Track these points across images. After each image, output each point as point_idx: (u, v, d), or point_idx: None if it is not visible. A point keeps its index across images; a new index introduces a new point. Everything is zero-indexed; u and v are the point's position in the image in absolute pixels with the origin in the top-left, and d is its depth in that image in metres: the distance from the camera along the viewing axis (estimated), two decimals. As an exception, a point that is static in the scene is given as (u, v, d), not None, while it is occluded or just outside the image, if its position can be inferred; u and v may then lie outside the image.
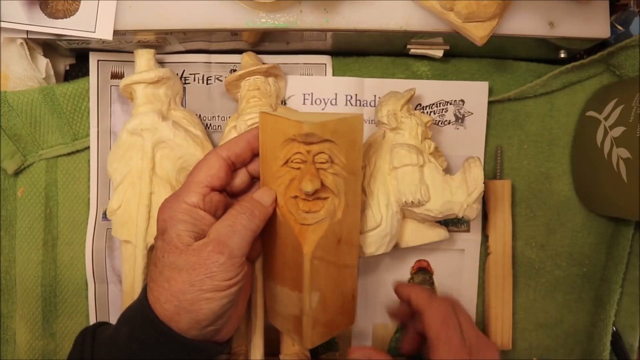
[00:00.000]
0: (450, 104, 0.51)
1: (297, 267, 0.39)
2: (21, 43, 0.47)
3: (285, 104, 0.51)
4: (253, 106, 0.46)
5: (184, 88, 0.50)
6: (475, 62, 0.52)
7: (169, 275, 0.34)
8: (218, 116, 0.51)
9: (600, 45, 0.50)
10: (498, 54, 0.52)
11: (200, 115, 0.50)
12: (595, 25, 0.47)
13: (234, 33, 0.47)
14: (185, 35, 0.47)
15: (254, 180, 0.42)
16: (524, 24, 0.46)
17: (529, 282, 0.54)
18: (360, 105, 0.51)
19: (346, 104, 0.51)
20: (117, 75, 0.50)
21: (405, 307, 0.46)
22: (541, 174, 0.54)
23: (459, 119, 0.52)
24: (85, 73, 0.50)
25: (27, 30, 0.44)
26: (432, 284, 0.52)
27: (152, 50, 0.47)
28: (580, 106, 0.53)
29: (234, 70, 0.50)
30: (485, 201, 0.52)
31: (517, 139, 0.53)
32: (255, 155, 0.40)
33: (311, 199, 0.38)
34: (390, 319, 0.51)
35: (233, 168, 0.39)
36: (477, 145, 0.52)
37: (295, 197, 0.38)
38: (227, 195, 0.40)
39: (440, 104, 0.51)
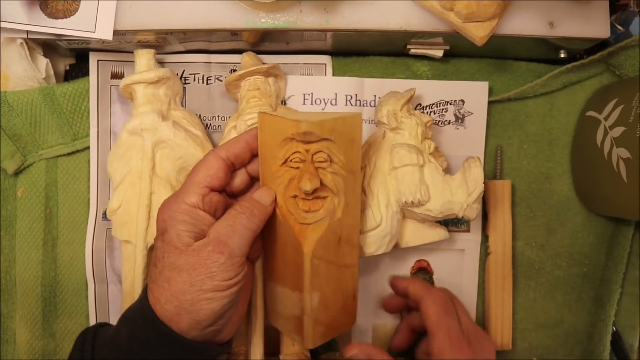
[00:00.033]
0: (450, 104, 0.51)
1: (298, 267, 0.39)
2: (21, 43, 0.47)
3: (285, 104, 0.51)
4: (253, 106, 0.46)
5: (184, 88, 0.50)
6: (475, 62, 0.52)
7: (169, 276, 0.34)
8: (218, 116, 0.51)
9: (600, 45, 0.50)
10: (498, 54, 0.52)
11: (200, 115, 0.50)
12: (595, 25, 0.47)
13: (234, 33, 0.47)
14: (185, 35, 0.47)
15: (253, 180, 0.42)
16: (524, 24, 0.46)
17: (529, 282, 0.54)
18: (360, 105, 0.51)
19: (346, 104, 0.51)
20: (117, 75, 0.50)
21: (400, 300, 0.47)
22: (541, 174, 0.54)
23: (459, 119, 0.52)
24: (85, 73, 0.50)
25: (27, 30, 0.44)
26: (432, 284, 0.52)
27: (152, 50, 0.47)
28: (580, 106, 0.53)
29: (234, 70, 0.50)
30: (485, 201, 0.52)
31: (517, 139, 0.53)
32: (254, 155, 0.40)
33: (310, 198, 0.38)
34: (385, 310, 0.51)
35: (232, 168, 0.39)
36: (477, 145, 0.52)
37: (295, 196, 0.38)
38: (227, 195, 0.40)
39: (440, 104, 0.51)
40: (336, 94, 0.51)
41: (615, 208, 0.49)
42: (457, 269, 0.53)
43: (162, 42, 0.48)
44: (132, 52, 0.47)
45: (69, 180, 0.51)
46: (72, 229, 0.51)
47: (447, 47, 0.49)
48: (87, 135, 0.50)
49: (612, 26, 0.49)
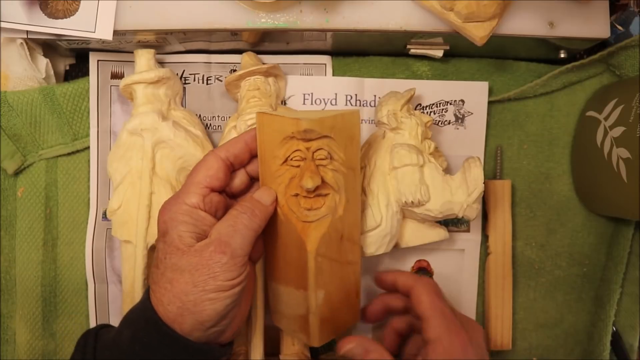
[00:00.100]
0: (450, 104, 0.51)
1: (301, 265, 0.39)
2: (21, 43, 0.47)
3: (285, 104, 0.51)
4: (253, 106, 0.46)
5: (184, 88, 0.50)
6: (475, 62, 0.52)
7: (172, 277, 0.34)
8: (218, 116, 0.51)
9: (600, 45, 0.50)
10: (498, 54, 0.52)
11: (200, 115, 0.50)
12: (595, 25, 0.47)
13: (234, 33, 0.47)
14: (185, 35, 0.47)
15: (252, 180, 0.42)
16: (524, 24, 0.46)
17: (529, 282, 0.54)
18: (360, 105, 0.51)
19: (346, 104, 0.51)
20: (117, 75, 0.50)
21: (381, 306, 0.46)
22: (541, 174, 0.54)
23: (459, 119, 0.52)
24: (85, 73, 0.50)
25: (27, 30, 0.44)
26: (432, 284, 0.52)
27: (152, 50, 0.47)
28: (580, 106, 0.53)
29: (234, 70, 0.50)
30: (485, 201, 0.52)
31: (517, 139, 0.53)
32: (253, 156, 0.40)
33: (312, 196, 0.39)
34: (364, 321, 0.48)
35: (232, 169, 0.39)
36: (477, 145, 0.52)
37: (296, 195, 0.39)
38: (227, 196, 0.40)
39: (440, 104, 0.51)
40: (336, 94, 0.51)
41: (615, 208, 0.49)
42: (457, 269, 0.53)
43: (162, 42, 0.48)
44: (132, 52, 0.47)
45: (69, 180, 0.51)
46: (72, 229, 0.51)
47: (447, 47, 0.49)
48: (87, 135, 0.50)
49: (612, 26, 0.49)
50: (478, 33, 0.44)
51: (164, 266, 0.35)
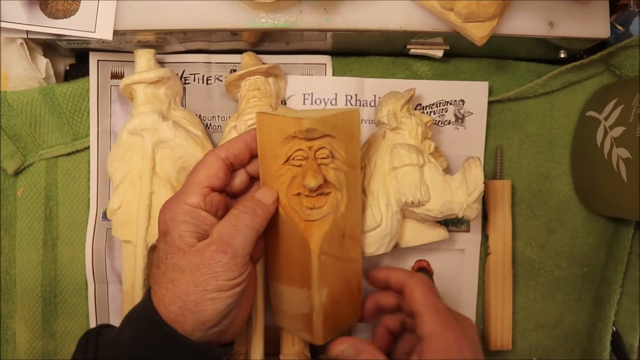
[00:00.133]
0: (450, 104, 0.51)
1: (305, 264, 0.39)
2: (21, 43, 0.47)
3: (285, 104, 0.51)
4: (253, 106, 0.46)
5: (184, 88, 0.50)
6: (475, 62, 0.52)
7: (173, 277, 0.34)
8: (218, 116, 0.51)
9: (600, 45, 0.50)
10: (498, 54, 0.52)
11: (200, 115, 0.50)
12: (595, 25, 0.47)
13: (234, 33, 0.47)
14: (185, 35, 0.47)
15: (252, 180, 0.42)
16: (524, 24, 0.46)
17: (529, 282, 0.54)
18: (360, 105, 0.51)
19: (346, 104, 0.51)
20: (117, 75, 0.50)
21: (372, 307, 0.46)
22: (541, 174, 0.54)
23: (459, 119, 0.52)
24: (85, 73, 0.50)
25: (27, 30, 0.44)
26: (432, 284, 0.52)
27: (152, 50, 0.47)
28: (580, 106, 0.53)
29: (234, 70, 0.50)
30: (485, 201, 0.52)
31: (517, 139, 0.53)
32: (253, 156, 0.40)
33: (314, 195, 0.39)
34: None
35: (232, 168, 0.39)
36: (477, 145, 0.52)
37: (298, 194, 0.39)
38: (227, 196, 0.40)
39: (440, 104, 0.51)
40: (336, 94, 0.51)
41: (615, 208, 0.49)
42: (457, 269, 0.53)
43: (162, 42, 0.48)
44: (132, 52, 0.47)
45: (69, 180, 0.51)
46: (72, 229, 0.51)
47: (447, 47, 0.49)
48: (87, 135, 0.50)
49: (612, 26, 0.49)
50: (478, 33, 0.44)
51: (165, 266, 0.35)
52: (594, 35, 0.47)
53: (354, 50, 0.52)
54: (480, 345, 0.40)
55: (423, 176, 0.44)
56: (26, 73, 0.48)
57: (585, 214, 0.54)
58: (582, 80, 0.53)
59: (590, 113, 0.51)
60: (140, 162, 0.44)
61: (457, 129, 0.52)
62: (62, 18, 0.44)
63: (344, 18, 0.45)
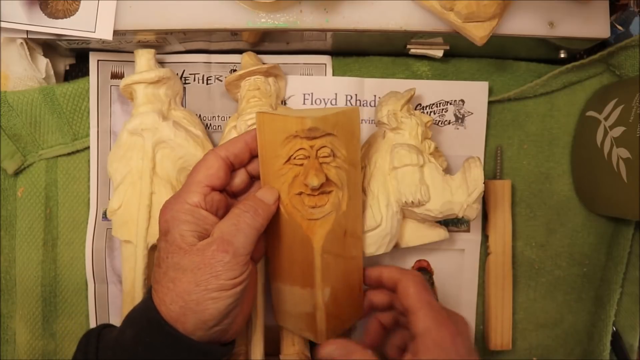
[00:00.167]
0: (450, 104, 0.51)
1: (307, 263, 0.39)
2: (21, 43, 0.47)
3: (285, 104, 0.51)
4: (253, 106, 0.46)
5: (184, 88, 0.50)
6: (475, 62, 0.52)
7: (174, 276, 0.34)
8: (218, 116, 0.51)
9: (600, 45, 0.50)
10: (498, 54, 0.52)
11: (200, 115, 0.50)
12: (595, 25, 0.47)
13: (234, 33, 0.47)
14: (185, 35, 0.47)
15: (253, 180, 0.42)
16: (524, 24, 0.46)
17: (529, 282, 0.54)
18: (360, 105, 0.51)
19: (346, 104, 0.51)
20: (117, 75, 0.50)
21: (365, 302, 0.45)
22: (541, 174, 0.54)
23: (459, 119, 0.52)
24: (85, 73, 0.50)
25: (27, 30, 0.44)
26: (432, 284, 0.52)
27: (152, 50, 0.47)
28: (580, 106, 0.53)
29: (234, 70, 0.50)
30: (485, 201, 0.52)
31: (517, 139, 0.53)
32: (253, 156, 0.40)
33: (316, 194, 0.39)
34: None
35: (232, 168, 0.39)
36: (477, 145, 0.52)
37: (300, 193, 0.39)
38: (228, 195, 0.40)
39: (440, 104, 0.51)
40: (336, 94, 0.51)
41: (615, 208, 0.49)
42: (457, 269, 0.53)
43: (162, 42, 0.48)
44: (132, 52, 0.47)
45: (69, 180, 0.51)
46: (72, 229, 0.51)
47: (447, 47, 0.49)
48: (87, 135, 0.50)
49: (612, 26, 0.49)
50: (478, 33, 0.44)
51: (166, 265, 0.35)
52: (594, 35, 0.47)
53: (354, 50, 0.52)
54: (474, 342, 0.40)
55: (423, 176, 0.44)
56: (26, 73, 0.48)
57: (585, 214, 0.54)
58: (582, 80, 0.53)
59: (590, 113, 0.51)
60: (141, 162, 0.44)
61: (457, 129, 0.52)
62: (62, 18, 0.44)
63: (344, 18, 0.45)
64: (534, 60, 0.53)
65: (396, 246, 0.47)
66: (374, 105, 0.51)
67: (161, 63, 0.50)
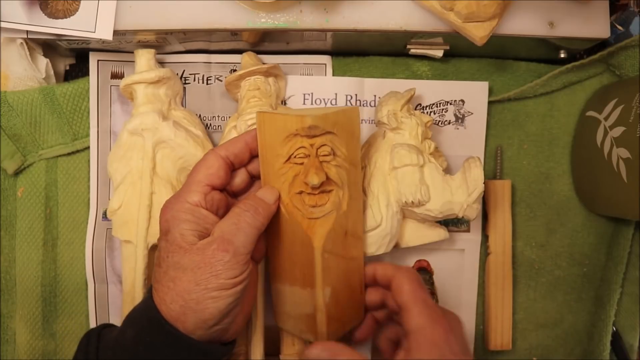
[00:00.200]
0: (450, 104, 0.51)
1: (308, 263, 0.39)
2: (21, 43, 0.47)
3: (285, 104, 0.51)
4: (253, 106, 0.46)
5: (184, 88, 0.50)
6: (475, 62, 0.52)
7: (174, 275, 0.34)
8: (218, 116, 0.51)
9: (600, 45, 0.51)
10: (498, 54, 0.52)
11: (200, 115, 0.50)
12: (595, 25, 0.47)
13: (234, 33, 0.47)
14: (185, 35, 0.47)
15: (253, 179, 0.42)
16: (524, 24, 0.46)
17: (529, 282, 0.54)
18: (360, 105, 0.51)
19: (346, 104, 0.51)
20: (117, 75, 0.50)
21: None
22: (541, 174, 0.54)
23: (459, 119, 0.52)
24: (85, 73, 0.50)
25: (27, 30, 0.44)
26: (432, 284, 0.52)
27: (153, 50, 0.47)
28: (580, 106, 0.53)
29: (234, 70, 0.50)
30: (485, 201, 0.52)
31: (517, 139, 0.53)
32: (253, 156, 0.40)
33: (317, 193, 0.39)
34: None
35: (232, 168, 0.39)
36: (477, 145, 0.52)
37: (301, 192, 0.39)
38: (228, 195, 0.40)
39: (440, 104, 0.51)
40: (336, 94, 0.51)
41: (615, 208, 0.49)
42: (457, 269, 0.53)
43: (162, 42, 0.48)
44: (132, 52, 0.47)
45: (69, 180, 0.51)
46: (72, 229, 0.51)
47: (447, 47, 0.49)
48: (87, 135, 0.50)
49: (612, 26, 0.49)
50: (478, 33, 0.44)
51: (167, 265, 0.35)
52: (594, 35, 0.47)
53: (354, 50, 0.52)
54: (473, 342, 0.39)
55: (423, 176, 0.44)
56: (26, 73, 0.48)
57: (585, 214, 0.54)
58: (582, 80, 0.53)
59: (590, 113, 0.51)
60: (141, 162, 0.44)
61: (457, 129, 0.52)
62: (62, 18, 0.44)
63: (344, 18, 0.45)
64: (534, 60, 0.53)
65: (396, 246, 0.47)
66: (374, 105, 0.51)
67: (161, 63, 0.50)
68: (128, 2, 0.44)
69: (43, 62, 0.49)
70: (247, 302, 0.39)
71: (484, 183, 0.43)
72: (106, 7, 0.44)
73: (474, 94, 0.51)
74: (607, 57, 0.50)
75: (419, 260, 0.52)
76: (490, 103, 0.52)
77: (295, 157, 0.38)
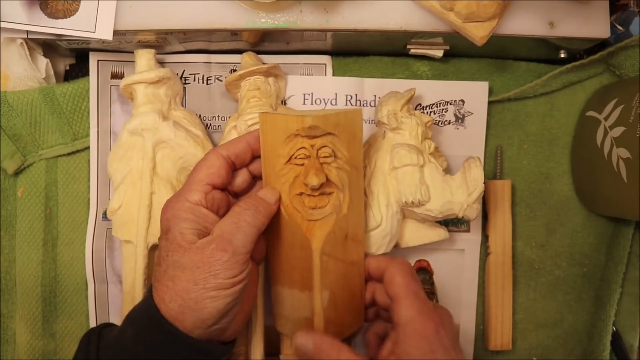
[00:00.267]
0: (450, 104, 0.51)
1: (306, 265, 0.39)
2: (21, 43, 0.47)
3: (285, 104, 0.51)
4: (253, 106, 0.46)
5: (184, 88, 0.50)
6: (475, 62, 0.52)
7: (173, 274, 0.34)
8: (218, 116, 0.51)
9: (600, 45, 0.51)
10: (498, 54, 0.52)
11: (200, 115, 0.50)
12: (595, 25, 0.47)
13: (234, 33, 0.47)
14: (185, 35, 0.47)
15: (255, 179, 0.42)
16: (524, 24, 0.46)
17: (529, 282, 0.54)
18: (360, 105, 0.51)
19: (346, 104, 0.51)
20: (117, 75, 0.50)
21: None
22: (541, 174, 0.54)
23: (459, 119, 0.52)
24: (85, 73, 0.50)
25: (27, 30, 0.44)
26: (432, 284, 0.52)
27: (153, 50, 0.47)
28: (580, 106, 0.53)
29: (234, 70, 0.50)
30: (485, 201, 0.52)
31: (517, 139, 0.53)
32: (255, 157, 0.40)
33: (317, 195, 0.39)
34: None
35: (233, 167, 0.39)
36: (477, 145, 0.52)
37: (301, 193, 0.39)
38: (230, 195, 0.40)
39: (440, 104, 0.51)
40: (336, 94, 0.51)
41: (615, 208, 0.49)
42: (457, 269, 0.53)
43: (162, 42, 0.48)
44: (132, 52, 0.47)
45: (69, 180, 0.51)
46: (72, 229, 0.51)
47: (447, 47, 0.49)
48: (87, 135, 0.50)
49: (612, 26, 0.49)
50: (478, 33, 0.44)
51: (166, 264, 0.35)
52: (594, 35, 0.47)
53: (354, 50, 0.52)
54: (459, 336, 0.38)
55: (423, 176, 0.44)
56: (26, 73, 0.48)
57: (585, 214, 0.54)
58: (582, 80, 0.53)
59: (590, 113, 0.51)
60: (141, 162, 0.44)
61: (457, 129, 0.52)
62: (62, 18, 0.44)
63: (344, 18, 0.45)
64: (534, 60, 0.53)
65: (396, 246, 0.47)
66: (374, 105, 0.51)
67: (161, 63, 0.50)
68: (128, 2, 0.44)
69: (43, 62, 0.49)
70: (247, 301, 0.39)
71: (484, 183, 0.43)
72: (106, 7, 0.44)
73: (474, 94, 0.51)
74: (607, 57, 0.50)
75: (419, 260, 0.52)
76: (490, 103, 0.52)
77: (295, 157, 0.38)
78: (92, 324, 0.50)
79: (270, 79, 0.48)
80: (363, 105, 0.51)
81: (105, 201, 0.51)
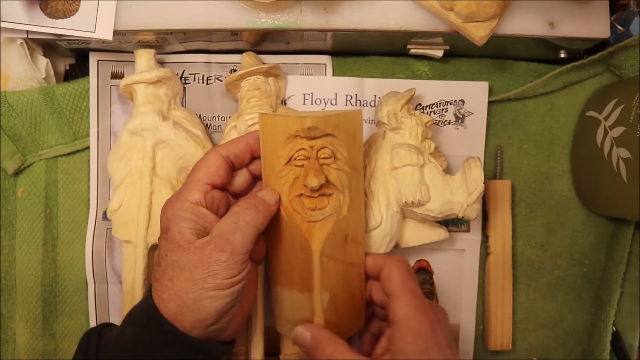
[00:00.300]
0: (450, 104, 0.51)
1: (306, 266, 0.39)
2: (21, 43, 0.47)
3: (285, 104, 0.51)
4: (253, 106, 0.46)
5: (184, 88, 0.50)
6: (475, 62, 0.52)
7: (172, 274, 0.34)
8: (218, 116, 0.51)
9: (600, 45, 0.51)
10: (498, 54, 0.52)
11: (200, 115, 0.50)
12: (595, 25, 0.47)
13: (234, 33, 0.47)
14: (185, 35, 0.47)
15: (255, 179, 0.42)
16: (524, 24, 0.46)
17: (529, 282, 0.54)
18: (360, 105, 0.51)
19: (346, 104, 0.51)
20: (117, 75, 0.50)
21: None
22: (541, 174, 0.54)
23: (459, 119, 0.52)
24: (85, 73, 0.50)
25: (27, 30, 0.44)
26: (432, 284, 0.52)
27: (153, 50, 0.47)
28: (580, 106, 0.53)
29: (234, 70, 0.50)
30: (485, 201, 0.52)
31: (517, 139, 0.53)
32: (255, 157, 0.40)
33: (316, 196, 0.39)
34: None
35: (232, 167, 0.39)
36: (477, 145, 0.52)
37: (300, 195, 0.39)
38: (230, 195, 0.40)
39: (440, 104, 0.51)
40: (336, 94, 0.51)
41: (615, 208, 0.49)
42: (457, 269, 0.53)
43: (162, 42, 0.48)
44: (132, 52, 0.47)
45: (69, 180, 0.51)
46: (72, 229, 0.51)
47: (447, 47, 0.49)
48: (87, 135, 0.50)
49: (612, 26, 0.49)
50: (478, 33, 0.44)
51: (165, 263, 0.35)
52: (594, 35, 0.47)
53: (354, 50, 0.52)
54: (454, 336, 0.38)
55: (423, 176, 0.44)
56: (26, 73, 0.48)
57: (585, 214, 0.54)
58: (582, 80, 0.53)
59: (590, 113, 0.51)
60: (141, 162, 0.44)
61: (457, 129, 0.52)
62: (62, 18, 0.44)
63: (344, 18, 0.45)
64: (534, 60, 0.53)
65: (396, 246, 0.47)
66: (374, 105, 0.51)
67: (161, 63, 0.50)
68: (128, 2, 0.44)
69: (43, 62, 0.49)
70: (246, 301, 0.39)
71: (484, 183, 0.43)
72: (106, 7, 0.44)
73: (474, 94, 0.51)
74: (607, 57, 0.50)
75: (419, 260, 0.52)
76: (490, 103, 0.52)
77: (295, 159, 0.38)
78: (92, 324, 0.51)
79: (270, 79, 0.48)
80: (363, 105, 0.51)
81: (105, 201, 0.51)
